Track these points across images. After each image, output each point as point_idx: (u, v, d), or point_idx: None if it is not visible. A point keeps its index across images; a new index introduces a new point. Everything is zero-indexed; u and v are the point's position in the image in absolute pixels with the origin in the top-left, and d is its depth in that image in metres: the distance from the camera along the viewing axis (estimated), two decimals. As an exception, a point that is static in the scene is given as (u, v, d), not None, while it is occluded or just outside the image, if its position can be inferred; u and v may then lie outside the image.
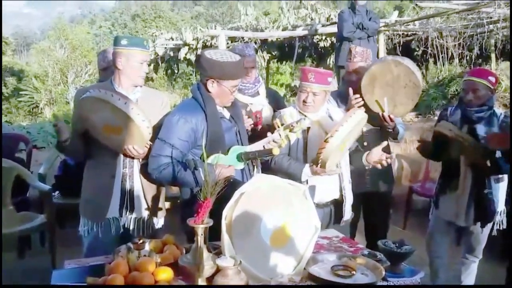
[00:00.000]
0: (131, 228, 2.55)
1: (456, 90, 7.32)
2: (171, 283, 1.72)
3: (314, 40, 9.10)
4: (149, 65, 3.11)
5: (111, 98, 2.24)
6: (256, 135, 2.72)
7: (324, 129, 2.70)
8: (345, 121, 2.41)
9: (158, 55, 9.37)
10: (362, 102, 2.92)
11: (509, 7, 6.97)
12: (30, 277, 3.66)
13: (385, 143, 2.78)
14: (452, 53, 8.81)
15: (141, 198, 2.54)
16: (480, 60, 9.97)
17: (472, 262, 3.19)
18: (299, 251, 1.96)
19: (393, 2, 18.43)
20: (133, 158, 2.48)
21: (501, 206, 2.98)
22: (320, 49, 9.51)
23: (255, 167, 2.54)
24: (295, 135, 2.50)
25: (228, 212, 1.86)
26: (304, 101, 2.67)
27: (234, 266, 1.71)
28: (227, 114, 2.46)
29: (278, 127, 2.43)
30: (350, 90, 2.95)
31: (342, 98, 3.11)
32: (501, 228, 2.99)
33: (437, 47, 8.71)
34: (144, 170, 2.43)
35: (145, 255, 1.89)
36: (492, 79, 2.88)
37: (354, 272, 1.92)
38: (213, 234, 1.91)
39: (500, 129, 2.83)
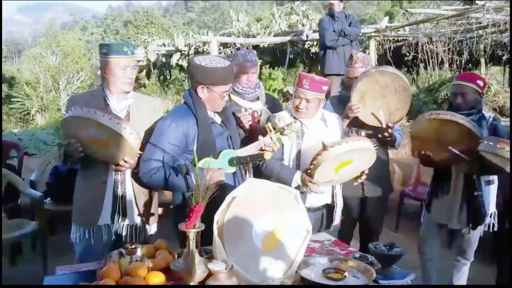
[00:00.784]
0: (123, 234, 2.54)
1: (446, 94, 7.40)
2: (163, 288, 1.72)
3: (306, 46, 9.15)
4: (140, 71, 3.13)
5: (94, 116, 2.21)
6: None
7: (318, 135, 2.72)
8: (351, 140, 2.42)
9: (150, 61, 9.37)
10: (360, 111, 2.92)
11: (497, 12, 7.06)
12: (21, 284, 3.64)
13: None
14: (442, 58, 8.91)
15: (133, 204, 2.54)
16: (470, 65, 10.10)
17: (464, 264, 3.22)
18: (291, 254, 1.96)
19: (384, 8, 18.60)
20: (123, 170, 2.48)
21: (491, 208, 3.01)
22: (311, 55, 9.56)
23: (247, 171, 2.55)
24: (287, 138, 2.52)
25: (220, 216, 1.87)
26: (297, 107, 2.68)
27: (225, 270, 1.71)
28: (218, 119, 2.47)
29: (270, 130, 2.45)
30: (350, 99, 2.95)
31: (342, 103, 3.10)
32: (492, 231, 3.02)
33: (427, 53, 8.80)
34: (136, 176, 2.43)
35: (137, 260, 1.89)
36: (481, 83, 2.92)
37: (345, 275, 1.93)
38: (206, 238, 1.91)
39: (489, 131, 2.87)
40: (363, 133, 2.98)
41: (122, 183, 2.50)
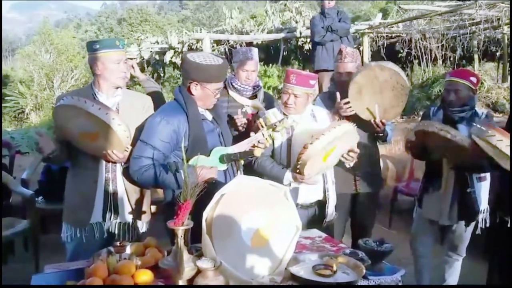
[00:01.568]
0: (115, 233, 2.53)
1: (440, 91, 7.42)
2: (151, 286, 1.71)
3: (299, 43, 9.15)
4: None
5: (84, 105, 2.21)
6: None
7: (308, 131, 2.71)
8: (327, 131, 2.41)
9: (143, 58, 9.34)
10: (352, 110, 2.89)
11: (490, 8, 7.08)
12: (13, 283, 3.62)
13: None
14: (435, 55, 8.93)
15: (125, 202, 2.53)
16: (464, 61, 10.12)
17: (456, 260, 3.23)
18: (280, 251, 1.96)
19: (378, 5, 18.59)
20: (114, 162, 2.46)
21: (483, 204, 3.01)
22: (305, 52, 9.56)
23: (238, 168, 2.54)
24: (278, 135, 2.51)
25: (209, 213, 1.86)
26: (285, 103, 2.67)
27: (213, 268, 1.71)
28: (209, 116, 2.46)
29: (262, 127, 2.44)
30: (338, 95, 2.92)
31: (332, 99, 3.08)
32: (484, 227, 3.02)
33: (420, 49, 8.82)
34: (127, 173, 2.42)
35: (125, 258, 1.89)
36: (474, 79, 2.91)
37: (335, 271, 1.93)
38: (198, 236, 1.90)
39: None
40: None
41: (114, 181, 2.49)
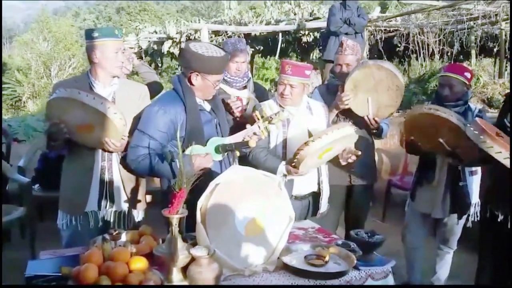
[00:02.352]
0: (111, 221, 2.55)
1: (436, 85, 7.42)
2: (146, 273, 1.74)
3: (298, 35, 9.13)
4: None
5: (78, 96, 2.22)
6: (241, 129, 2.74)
7: (304, 123, 2.74)
8: (331, 131, 2.45)
9: (141, 48, 9.31)
10: (351, 101, 2.91)
11: (488, 4, 7.09)
12: (10, 270, 3.64)
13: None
14: (433, 49, 8.93)
15: (120, 191, 2.55)
16: (461, 56, 10.12)
17: (447, 253, 3.28)
18: (273, 241, 1.99)
19: (377, -2, 18.56)
20: (112, 152, 2.48)
21: (475, 198, 3.06)
22: (303, 44, 9.55)
23: (234, 159, 2.56)
24: (274, 127, 2.53)
25: (203, 203, 1.89)
26: (282, 93, 2.69)
27: (207, 256, 1.73)
28: (207, 106, 2.47)
29: (258, 119, 2.46)
30: (340, 88, 2.94)
31: (330, 91, 3.11)
32: (475, 220, 3.07)
33: (418, 43, 8.82)
34: (124, 162, 2.44)
35: (120, 246, 1.91)
36: (468, 75, 2.94)
37: (326, 261, 1.96)
38: (193, 224, 1.93)
39: None
40: (350, 123, 2.98)
41: (109, 170, 2.50)
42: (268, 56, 11.44)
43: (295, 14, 8.84)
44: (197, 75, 2.32)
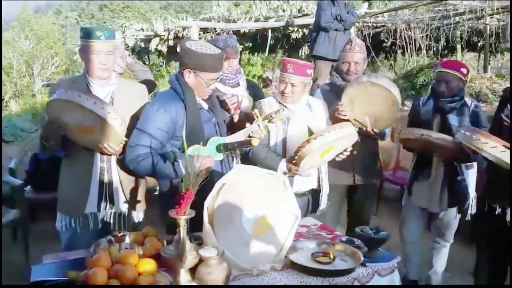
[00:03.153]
0: (110, 222, 2.52)
1: (424, 80, 7.48)
2: (154, 275, 1.72)
3: (286, 32, 9.13)
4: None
5: (78, 99, 2.18)
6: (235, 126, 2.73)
7: (304, 121, 2.73)
8: (333, 129, 2.45)
9: (128, 46, 9.22)
10: (349, 114, 2.86)
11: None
12: (3, 272, 3.58)
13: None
14: (419, 45, 9.01)
15: (120, 192, 2.52)
16: (446, 51, 10.23)
17: (443, 246, 3.31)
18: (280, 239, 1.99)
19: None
20: (110, 155, 2.45)
21: (471, 192, 3.09)
22: (292, 41, 9.56)
23: (234, 158, 2.55)
24: (274, 125, 2.52)
25: (210, 203, 1.88)
26: (283, 92, 2.69)
27: (217, 256, 1.72)
28: (205, 105, 2.45)
29: (257, 117, 2.45)
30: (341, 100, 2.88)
31: (333, 91, 3.07)
32: (472, 213, 3.11)
33: (405, 39, 8.88)
34: (122, 163, 2.41)
35: (126, 248, 1.89)
36: (464, 70, 2.97)
37: (333, 258, 1.97)
38: (192, 225, 1.91)
39: (470, 119, 2.93)
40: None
41: (108, 171, 2.48)
42: (255, 53, 11.42)
43: (284, 11, 8.84)
44: (190, 72, 2.29)
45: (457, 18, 8.40)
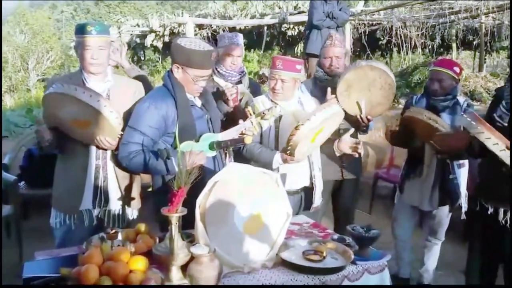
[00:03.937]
0: (105, 219, 2.53)
1: (419, 78, 7.52)
2: (146, 272, 1.73)
3: (282, 29, 9.12)
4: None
5: (74, 92, 2.19)
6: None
7: (296, 118, 2.74)
8: (318, 111, 2.45)
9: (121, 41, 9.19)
10: (344, 102, 2.90)
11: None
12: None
13: (352, 130, 2.84)
14: (415, 43, 9.03)
15: (115, 189, 2.53)
16: (442, 49, 10.27)
17: (435, 244, 3.33)
18: (272, 237, 2.00)
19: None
20: (105, 149, 2.45)
21: (463, 191, 3.12)
22: (288, 38, 9.56)
23: (227, 155, 2.56)
24: (267, 123, 2.53)
25: (202, 201, 1.89)
26: (273, 88, 2.70)
27: (208, 254, 1.73)
28: (198, 102, 2.45)
29: (250, 115, 2.46)
30: (329, 90, 2.92)
31: (317, 85, 3.11)
32: (463, 211, 3.13)
33: (401, 37, 8.90)
34: (116, 159, 2.41)
35: (118, 245, 1.90)
36: (457, 69, 2.98)
37: (324, 257, 1.99)
38: (184, 222, 1.92)
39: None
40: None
41: (104, 168, 2.48)
42: (252, 49, 11.42)
43: (279, 8, 8.83)
44: (178, 67, 2.31)
45: (452, 17, 8.42)
